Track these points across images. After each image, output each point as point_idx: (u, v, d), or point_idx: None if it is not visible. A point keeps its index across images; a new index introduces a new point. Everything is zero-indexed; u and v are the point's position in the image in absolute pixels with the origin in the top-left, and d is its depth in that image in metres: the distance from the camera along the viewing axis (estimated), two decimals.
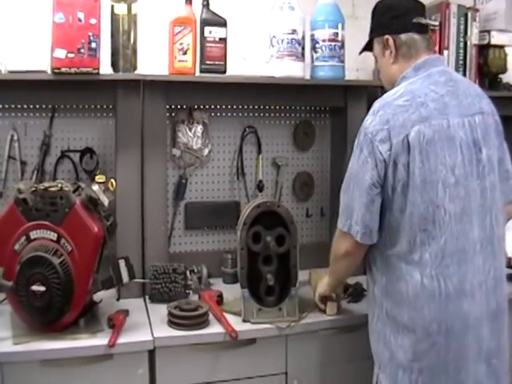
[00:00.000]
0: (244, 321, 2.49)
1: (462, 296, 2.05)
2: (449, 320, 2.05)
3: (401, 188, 2.05)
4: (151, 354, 2.35)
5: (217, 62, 2.78)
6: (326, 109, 3.29)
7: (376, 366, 2.22)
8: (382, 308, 2.15)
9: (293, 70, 2.86)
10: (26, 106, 2.79)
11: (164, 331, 2.40)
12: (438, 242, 2.05)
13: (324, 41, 2.86)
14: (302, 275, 2.63)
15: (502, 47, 3.28)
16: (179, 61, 2.72)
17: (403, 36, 2.23)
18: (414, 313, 2.07)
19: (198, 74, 2.76)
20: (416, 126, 2.04)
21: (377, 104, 2.15)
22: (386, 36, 2.25)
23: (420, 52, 2.23)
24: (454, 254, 2.05)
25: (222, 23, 2.78)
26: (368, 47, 2.41)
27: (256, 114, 3.17)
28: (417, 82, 2.16)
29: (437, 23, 3.13)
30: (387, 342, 2.13)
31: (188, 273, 2.80)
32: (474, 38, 3.21)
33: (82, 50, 2.48)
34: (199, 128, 3.02)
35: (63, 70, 2.48)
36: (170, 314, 2.44)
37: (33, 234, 2.29)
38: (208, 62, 2.77)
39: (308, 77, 2.95)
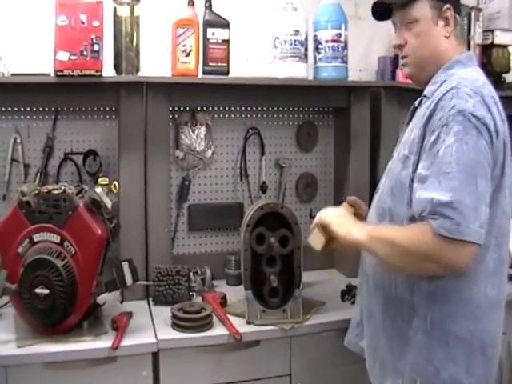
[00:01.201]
0: (248, 322, 2.49)
1: (502, 306, 1.98)
2: (497, 331, 1.96)
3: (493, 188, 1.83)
4: (155, 356, 2.35)
5: (220, 64, 2.77)
6: (329, 109, 3.28)
7: (409, 381, 1.95)
8: (426, 318, 1.90)
9: (296, 70, 2.86)
10: (28, 109, 2.79)
11: (168, 333, 2.40)
12: (500, 249, 1.92)
13: (327, 41, 2.86)
14: (306, 276, 2.61)
15: (505, 46, 3.27)
16: (182, 62, 2.71)
17: (459, 17, 2.03)
18: (472, 323, 1.89)
19: (200, 75, 2.76)
20: (503, 124, 1.88)
21: (465, 88, 1.83)
22: (448, 5, 1.97)
23: (464, 41, 2.14)
24: (505, 263, 1.97)
25: (225, 24, 2.78)
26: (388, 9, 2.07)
27: (259, 115, 3.17)
28: (481, 74, 1.98)
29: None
30: (432, 356, 1.89)
31: (191, 275, 2.80)
32: (477, 37, 3.20)
33: (85, 53, 2.48)
34: (202, 130, 3.02)
35: (66, 72, 2.48)
36: (174, 316, 2.44)
37: (36, 237, 2.30)
38: (211, 64, 2.77)
39: (311, 77, 2.95)
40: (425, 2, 1.98)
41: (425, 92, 2.01)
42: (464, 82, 1.86)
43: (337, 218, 2.07)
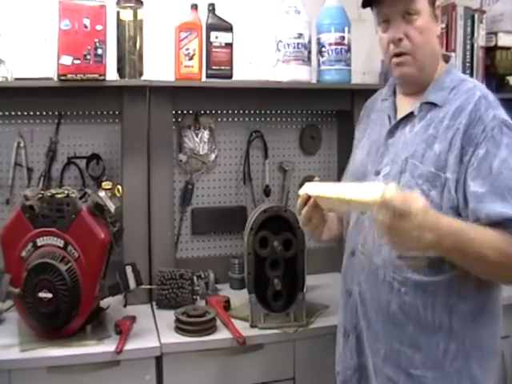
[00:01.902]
0: (251, 326, 2.48)
1: None
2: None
3: None
4: (158, 360, 2.34)
5: (223, 67, 2.78)
6: (332, 112, 3.28)
7: None
8: (464, 341, 1.78)
9: (299, 74, 2.87)
10: (32, 113, 2.79)
11: (171, 337, 2.39)
12: None
13: (330, 44, 2.86)
14: (310, 280, 2.61)
15: (509, 49, 3.26)
16: (185, 66, 2.72)
17: None
18: (498, 329, 1.87)
19: (204, 79, 2.76)
20: None
21: (489, 96, 1.79)
22: (438, 3, 1.88)
23: None
24: None
25: (228, 28, 2.78)
26: None
27: (262, 119, 3.17)
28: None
29: (443, 26, 3.12)
30: (473, 377, 1.80)
31: (195, 278, 2.79)
32: (480, 39, 3.20)
33: (88, 57, 2.49)
34: (205, 133, 3.02)
35: (69, 76, 2.49)
36: (177, 319, 2.44)
37: (39, 241, 2.30)
38: (214, 67, 2.77)
39: (314, 81, 2.95)
40: None
41: (431, 99, 1.86)
42: (484, 90, 1.81)
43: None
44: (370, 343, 1.91)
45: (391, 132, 1.93)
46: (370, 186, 1.64)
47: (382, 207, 1.53)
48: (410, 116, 1.90)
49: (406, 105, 1.95)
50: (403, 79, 1.94)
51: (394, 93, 2.04)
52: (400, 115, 1.94)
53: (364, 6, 1.93)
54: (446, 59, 1.98)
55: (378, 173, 1.91)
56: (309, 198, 1.86)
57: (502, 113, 1.76)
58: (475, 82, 1.90)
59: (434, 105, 1.85)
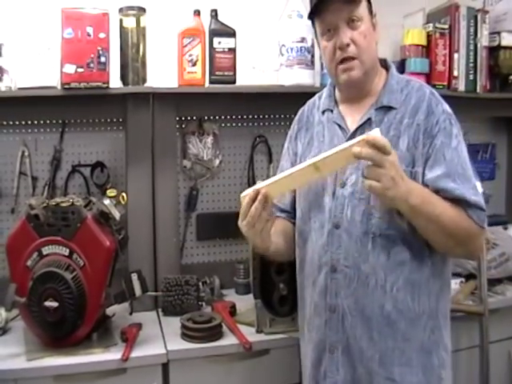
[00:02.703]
0: (257, 331, 2.49)
1: None
2: None
3: None
4: (165, 367, 2.35)
5: (226, 73, 2.78)
6: None
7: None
8: (438, 315, 1.93)
9: (302, 77, 2.86)
10: (36, 122, 2.80)
11: (177, 344, 2.40)
12: None
13: None
14: None
15: None
16: (188, 72, 2.72)
17: None
18: (449, 298, 2.03)
19: (207, 84, 2.77)
20: None
21: (435, 92, 1.95)
22: (375, 12, 1.97)
23: None
24: None
25: (231, 33, 2.78)
26: None
27: (266, 123, 3.17)
28: None
29: (446, 26, 3.11)
30: (446, 344, 1.98)
31: (200, 284, 2.80)
32: (484, 39, 3.19)
33: (92, 65, 2.50)
34: (209, 139, 3.02)
35: (73, 85, 2.50)
36: (183, 326, 2.44)
37: (45, 250, 2.30)
38: (217, 73, 2.77)
39: (318, 84, 2.95)
40: (365, 5, 1.92)
41: (385, 103, 1.92)
42: (428, 87, 1.98)
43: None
44: (362, 352, 1.92)
45: (351, 135, 1.93)
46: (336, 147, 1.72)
47: (367, 144, 1.63)
48: (367, 122, 1.93)
49: (353, 113, 1.99)
50: (350, 84, 1.95)
51: (336, 103, 2.06)
52: (352, 123, 1.97)
53: (310, 16, 1.98)
54: (384, 64, 2.04)
55: (343, 184, 1.92)
56: (257, 193, 1.86)
57: (447, 107, 1.92)
58: (418, 80, 2.05)
59: (389, 108, 1.92)
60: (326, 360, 1.99)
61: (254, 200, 1.88)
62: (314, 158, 1.76)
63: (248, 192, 1.90)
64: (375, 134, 1.66)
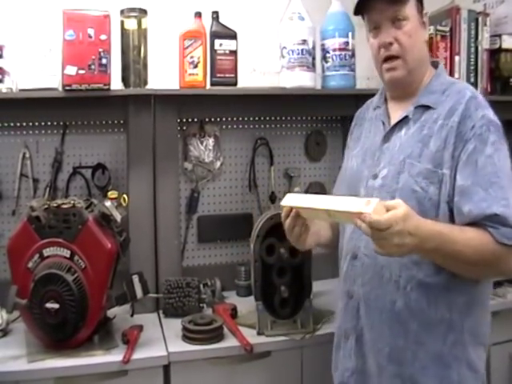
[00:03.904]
0: (258, 333, 2.48)
1: None
2: None
3: None
4: (166, 369, 2.34)
5: (227, 75, 2.78)
6: (337, 118, 3.28)
7: None
8: (462, 330, 1.88)
9: (304, 80, 2.86)
10: (37, 124, 2.80)
11: (179, 346, 2.39)
12: None
13: (334, 50, 2.86)
14: (316, 286, 2.61)
15: None
16: (190, 74, 2.72)
17: None
18: (488, 321, 1.98)
19: (208, 86, 2.76)
20: None
21: (480, 97, 1.90)
22: (426, 11, 1.97)
23: None
24: None
25: (232, 35, 2.78)
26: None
27: (267, 126, 3.17)
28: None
29: (447, 29, 3.11)
30: (471, 363, 1.90)
31: (201, 286, 2.80)
32: (484, 42, 3.19)
33: (93, 67, 2.49)
34: (211, 141, 3.02)
35: (74, 86, 2.49)
36: (185, 328, 2.44)
37: (46, 252, 2.30)
38: (219, 75, 2.77)
39: (319, 87, 2.95)
40: (414, 3, 1.93)
41: (423, 102, 1.94)
42: (474, 91, 1.91)
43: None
44: (373, 343, 1.95)
45: (387, 137, 2.00)
46: (352, 199, 1.71)
47: (363, 221, 1.61)
48: (404, 120, 1.96)
49: (398, 110, 2.02)
50: (393, 83, 2.00)
51: (386, 100, 2.10)
52: (394, 120, 2.01)
53: (355, 13, 2.03)
54: (435, 65, 2.05)
55: (375, 176, 1.97)
56: (291, 209, 1.94)
57: (490, 113, 1.86)
58: (465, 84, 2.01)
59: (427, 107, 1.93)
60: (342, 346, 2.08)
61: (288, 214, 1.96)
62: (328, 203, 1.77)
63: (284, 204, 1.97)
64: (372, 209, 1.60)
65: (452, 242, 1.73)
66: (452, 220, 1.83)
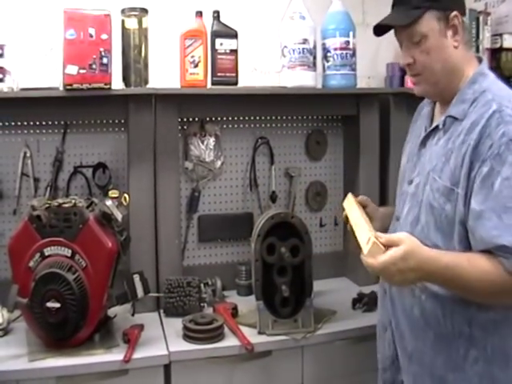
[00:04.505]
0: (259, 333, 2.49)
1: None
2: None
3: None
4: (167, 368, 2.35)
5: (228, 74, 2.78)
6: (338, 117, 3.27)
7: None
8: (486, 347, 1.81)
9: (304, 79, 2.86)
10: (38, 123, 2.79)
11: (179, 345, 2.40)
12: None
13: (335, 49, 2.86)
14: (317, 285, 2.61)
15: None
16: (191, 73, 2.72)
17: (465, 20, 1.91)
18: None
19: (209, 86, 2.76)
20: None
21: (507, 109, 1.74)
22: (455, 12, 1.84)
23: (472, 46, 2.01)
24: None
25: (233, 35, 2.78)
26: (393, 23, 1.93)
27: (268, 125, 3.16)
28: (503, 83, 1.90)
29: None
30: (495, 380, 1.82)
31: (202, 286, 2.80)
32: (486, 41, 3.18)
33: (94, 66, 2.49)
34: (211, 140, 3.02)
35: (75, 86, 2.49)
36: (185, 327, 2.44)
37: (47, 251, 2.31)
38: (219, 74, 2.77)
39: (320, 86, 2.95)
40: (431, 15, 1.85)
41: (453, 113, 1.87)
42: (503, 102, 1.77)
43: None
44: (398, 340, 2.02)
45: (423, 143, 2.00)
46: (367, 235, 1.75)
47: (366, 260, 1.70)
48: (436, 128, 1.94)
49: (439, 114, 2.00)
50: (420, 95, 2.02)
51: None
52: (433, 125, 1.98)
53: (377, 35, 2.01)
54: (481, 60, 1.98)
55: (410, 182, 2.01)
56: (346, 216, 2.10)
57: None
58: (497, 92, 1.84)
59: (455, 118, 1.86)
60: (382, 335, 2.13)
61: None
62: (356, 223, 1.94)
63: (344, 205, 2.16)
64: (367, 251, 1.69)
65: (458, 276, 1.70)
66: (468, 240, 1.78)
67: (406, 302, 1.95)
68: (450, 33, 1.86)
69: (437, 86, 1.91)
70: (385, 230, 2.08)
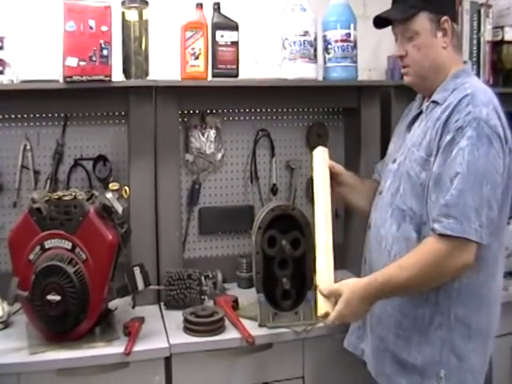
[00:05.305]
0: (260, 325, 2.48)
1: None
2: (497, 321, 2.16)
3: (505, 188, 1.99)
4: (167, 361, 2.35)
5: (229, 66, 2.77)
6: (339, 110, 3.27)
7: (431, 378, 2.06)
8: (450, 314, 2.03)
9: (305, 71, 2.85)
10: (38, 116, 2.78)
11: (180, 338, 2.40)
12: (502, 245, 2.11)
13: (336, 41, 2.85)
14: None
15: None
16: (191, 66, 2.71)
17: (456, 26, 2.14)
18: (490, 316, 2.10)
19: (210, 78, 2.76)
20: (509, 131, 2.02)
21: (480, 96, 1.98)
22: (446, 17, 2.08)
23: (460, 49, 2.30)
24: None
25: (234, 27, 2.77)
26: (392, 18, 2.15)
27: (269, 117, 3.16)
28: (483, 84, 2.13)
29: None
30: (455, 348, 2.03)
31: (203, 278, 2.79)
32: (487, 34, 3.17)
33: (94, 58, 2.48)
34: (212, 132, 3.01)
35: (75, 78, 2.48)
36: (186, 320, 2.44)
37: (47, 244, 2.30)
38: (220, 66, 2.76)
39: (321, 78, 2.94)
40: (424, 15, 2.08)
41: (435, 98, 2.10)
42: (477, 91, 2.01)
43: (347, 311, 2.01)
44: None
45: (409, 127, 2.23)
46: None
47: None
48: (420, 113, 2.18)
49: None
50: (409, 85, 2.23)
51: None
52: (418, 110, 2.22)
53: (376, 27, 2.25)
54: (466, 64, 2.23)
55: (394, 161, 2.21)
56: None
57: (481, 111, 1.94)
58: (475, 84, 2.08)
59: (436, 103, 2.09)
60: (362, 327, 2.34)
61: None
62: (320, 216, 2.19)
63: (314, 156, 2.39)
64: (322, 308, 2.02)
65: (397, 282, 1.95)
66: None
67: (381, 264, 2.10)
68: (439, 34, 2.09)
69: (424, 81, 2.15)
70: (367, 198, 2.37)
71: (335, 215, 3.26)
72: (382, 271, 2.00)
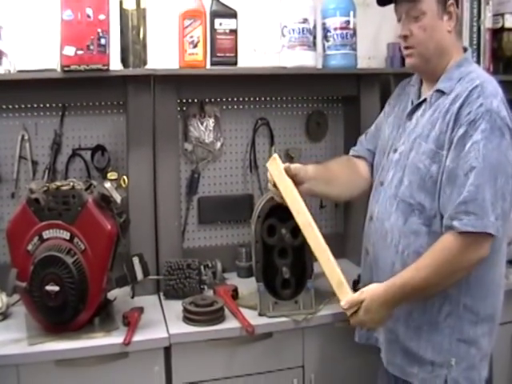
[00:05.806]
0: (260, 315, 2.48)
1: None
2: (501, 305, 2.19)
3: None
4: (167, 350, 2.35)
5: (228, 54, 2.75)
6: (338, 98, 3.26)
7: (442, 366, 2.09)
8: (459, 303, 2.06)
9: (304, 59, 2.83)
10: (36, 106, 2.77)
11: (179, 328, 2.40)
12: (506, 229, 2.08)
13: (335, 29, 2.83)
14: (318, 267, 2.59)
15: None
16: (190, 54, 2.69)
17: (459, 12, 2.15)
18: (496, 301, 2.13)
19: (208, 66, 2.74)
20: None
21: (489, 87, 2.00)
22: (452, 1, 2.08)
23: (461, 36, 2.30)
24: None
25: (232, 14, 2.75)
26: None
27: (268, 106, 3.15)
28: (486, 73, 2.14)
29: None
30: (464, 335, 2.07)
31: (202, 268, 2.79)
32: (487, 21, 3.15)
33: (92, 47, 2.46)
34: (211, 121, 3.00)
35: (73, 67, 2.46)
36: (186, 310, 2.44)
37: (45, 234, 2.29)
38: (219, 55, 2.75)
39: (320, 66, 2.92)
40: None
41: (440, 87, 2.09)
42: (486, 82, 2.01)
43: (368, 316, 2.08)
44: None
45: (409, 115, 2.21)
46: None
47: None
48: (423, 102, 2.17)
49: (425, 92, 2.21)
50: (411, 68, 2.22)
51: (422, 81, 2.27)
52: (421, 99, 2.20)
53: (380, 4, 2.22)
54: (466, 50, 2.21)
55: (395, 150, 2.21)
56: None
57: (492, 103, 1.95)
58: (481, 73, 2.10)
59: (442, 92, 2.09)
60: None
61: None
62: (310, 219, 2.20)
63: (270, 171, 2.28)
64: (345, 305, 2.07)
65: (414, 283, 1.99)
66: None
67: (388, 260, 2.16)
68: (445, 17, 2.08)
69: (427, 63, 2.13)
70: (336, 184, 2.39)
71: (335, 204, 3.28)
72: (399, 275, 2.03)
